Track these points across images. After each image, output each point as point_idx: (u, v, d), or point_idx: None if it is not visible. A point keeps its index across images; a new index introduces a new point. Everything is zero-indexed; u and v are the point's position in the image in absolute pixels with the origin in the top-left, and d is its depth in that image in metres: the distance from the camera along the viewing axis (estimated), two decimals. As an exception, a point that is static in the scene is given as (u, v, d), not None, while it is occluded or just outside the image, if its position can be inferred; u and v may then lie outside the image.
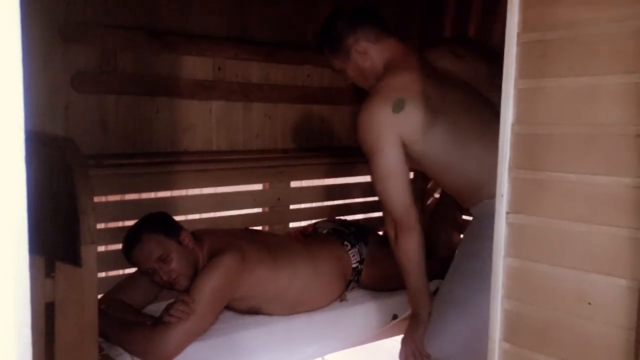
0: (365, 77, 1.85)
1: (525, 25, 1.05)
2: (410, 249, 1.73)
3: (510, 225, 1.09)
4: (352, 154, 2.74)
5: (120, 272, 2.07)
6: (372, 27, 1.82)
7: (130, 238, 1.81)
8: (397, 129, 1.67)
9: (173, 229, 1.84)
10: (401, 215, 1.71)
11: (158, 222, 1.85)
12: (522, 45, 1.05)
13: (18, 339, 0.50)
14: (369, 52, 1.80)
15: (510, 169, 1.08)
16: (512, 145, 1.07)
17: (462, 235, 2.03)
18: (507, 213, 1.08)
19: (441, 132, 1.69)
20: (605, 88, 0.96)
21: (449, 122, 1.70)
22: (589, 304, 0.98)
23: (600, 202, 0.97)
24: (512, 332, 1.10)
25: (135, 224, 1.86)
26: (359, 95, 1.92)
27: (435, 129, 1.69)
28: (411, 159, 1.75)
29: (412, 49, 1.87)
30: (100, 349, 1.59)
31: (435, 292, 2.18)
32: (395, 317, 2.14)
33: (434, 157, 1.73)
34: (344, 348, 2.08)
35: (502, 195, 1.08)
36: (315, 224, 2.42)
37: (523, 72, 1.05)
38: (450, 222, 2.50)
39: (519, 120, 1.07)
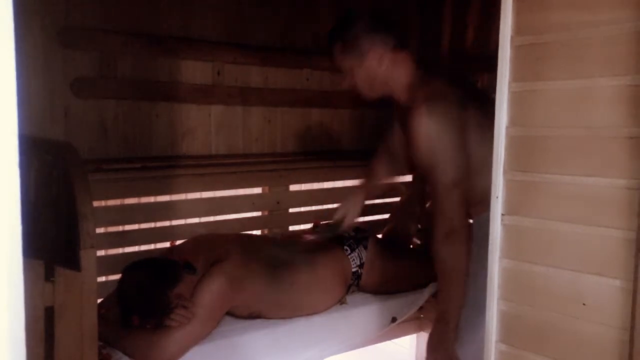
0: (373, 83, 1.81)
1: (519, 29, 1.06)
2: (464, 255, 1.70)
3: (505, 226, 1.09)
4: (352, 158, 2.75)
5: (120, 276, 2.07)
6: (392, 36, 1.79)
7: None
8: (466, 127, 1.67)
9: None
10: (462, 223, 1.68)
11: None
12: (516, 48, 1.06)
13: (12, 344, 0.50)
14: (384, 59, 1.77)
15: (505, 171, 1.09)
16: (506, 148, 1.08)
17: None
18: (502, 215, 1.09)
19: (478, 134, 1.70)
20: (598, 90, 0.97)
21: (480, 125, 1.70)
22: (584, 304, 0.99)
23: (594, 204, 0.98)
24: (508, 333, 1.10)
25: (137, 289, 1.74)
26: (359, 99, 1.90)
27: (478, 131, 1.70)
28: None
29: (420, 64, 1.85)
30: (100, 353, 1.59)
31: (435, 295, 2.19)
32: (394, 319, 2.14)
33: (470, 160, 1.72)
34: (344, 351, 2.08)
35: (497, 197, 1.09)
36: (315, 227, 2.42)
37: (517, 75, 1.06)
38: (415, 215, 2.54)
39: (513, 122, 1.07)
